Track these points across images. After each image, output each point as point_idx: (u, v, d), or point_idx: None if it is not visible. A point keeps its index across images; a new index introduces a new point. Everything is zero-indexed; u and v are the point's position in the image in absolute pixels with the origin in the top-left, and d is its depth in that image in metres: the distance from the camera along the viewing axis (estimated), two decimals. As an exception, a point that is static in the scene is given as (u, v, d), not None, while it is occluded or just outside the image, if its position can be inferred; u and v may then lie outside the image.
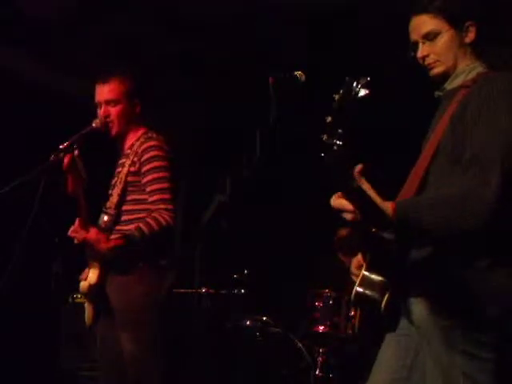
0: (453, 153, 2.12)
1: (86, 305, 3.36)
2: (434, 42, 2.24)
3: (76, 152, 3.14)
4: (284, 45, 4.78)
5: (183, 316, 3.64)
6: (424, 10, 2.23)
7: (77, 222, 3.20)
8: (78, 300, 4.51)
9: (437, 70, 2.26)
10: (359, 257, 2.32)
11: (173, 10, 4.66)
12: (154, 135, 3.37)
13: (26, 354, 4.76)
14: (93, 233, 3.20)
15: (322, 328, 4.35)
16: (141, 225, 3.19)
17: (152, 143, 3.32)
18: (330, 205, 2.26)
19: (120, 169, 3.39)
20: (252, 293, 4.60)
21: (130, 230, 3.23)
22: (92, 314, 3.34)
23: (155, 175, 3.25)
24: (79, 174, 3.18)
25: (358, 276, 2.22)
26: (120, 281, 3.26)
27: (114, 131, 3.38)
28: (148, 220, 3.19)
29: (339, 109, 1.92)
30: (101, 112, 3.35)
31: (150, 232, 3.17)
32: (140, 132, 3.41)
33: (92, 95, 3.43)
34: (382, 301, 2.13)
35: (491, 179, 2.00)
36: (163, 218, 3.18)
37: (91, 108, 3.46)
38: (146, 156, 3.29)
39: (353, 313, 2.82)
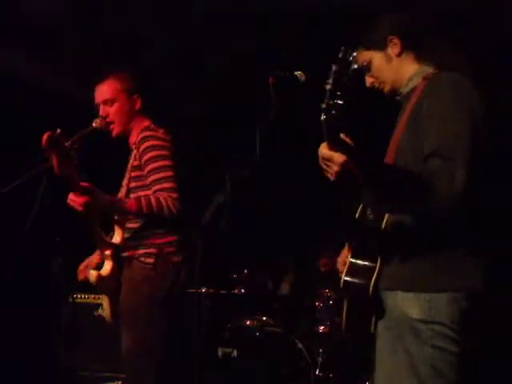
0: (412, 149, 2.24)
1: (104, 301, 3.35)
2: (372, 69, 2.47)
3: (58, 130, 2.96)
4: (284, 45, 4.78)
5: (183, 316, 3.63)
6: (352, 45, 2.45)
7: (71, 194, 3.09)
8: (78, 300, 4.51)
9: (385, 90, 2.49)
10: (342, 254, 2.47)
11: (173, 10, 4.66)
12: (152, 126, 3.33)
13: (26, 354, 4.76)
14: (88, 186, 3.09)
15: (321, 328, 4.35)
16: (141, 198, 3.14)
17: (147, 133, 3.28)
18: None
19: (128, 164, 3.39)
20: (252, 293, 4.60)
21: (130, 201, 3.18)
22: (109, 308, 3.32)
23: (154, 165, 3.21)
24: (65, 153, 3.00)
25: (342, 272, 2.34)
26: (130, 278, 3.26)
27: (114, 132, 3.37)
28: (150, 197, 3.13)
29: (338, 75, 2.02)
30: (100, 113, 3.36)
31: (148, 208, 3.10)
32: (143, 126, 3.39)
33: (91, 95, 3.44)
34: (369, 285, 2.24)
35: (456, 170, 2.09)
36: (166, 202, 3.12)
37: (91, 108, 3.47)
38: (142, 147, 3.25)
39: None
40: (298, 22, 4.65)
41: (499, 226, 2.34)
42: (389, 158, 2.34)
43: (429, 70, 2.39)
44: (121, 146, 3.56)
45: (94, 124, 3.31)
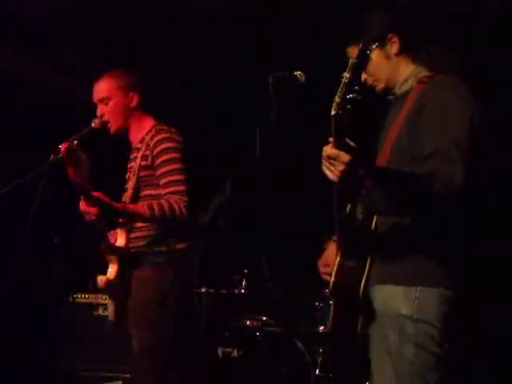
0: (409, 149, 2.23)
1: (109, 302, 3.37)
2: (368, 65, 2.40)
3: (75, 142, 3.07)
4: (284, 45, 4.78)
5: (188, 317, 3.64)
6: (352, 42, 2.43)
7: (82, 203, 3.16)
8: (78, 300, 4.51)
9: (378, 88, 2.46)
10: (325, 255, 2.54)
11: (173, 9, 4.66)
12: (165, 127, 3.35)
13: (26, 354, 4.76)
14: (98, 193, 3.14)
15: (321, 328, 4.35)
16: (154, 203, 3.17)
17: (163, 135, 3.30)
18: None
19: (133, 163, 3.38)
20: (252, 293, 4.59)
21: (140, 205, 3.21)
22: (114, 311, 3.33)
23: (169, 167, 3.24)
24: (81, 164, 3.08)
25: (327, 273, 2.40)
26: (136, 277, 3.28)
27: (112, 129, 3.38)
28: (162, 201, 3.17)
29: (357, 70, 1.99)
30: (97, 112, 3.37)
31: (160, 213, 3.14)
32: (148, 125, 3.40)
33: (91, 95, 3.44)
34: (359, 286, 2.23)
35: (455, 170, 2.10)
36: (178, 205, 3.16)
37: (91, 108, 3.47)
38: (158, 149, 3.27)
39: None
40: (299, 22, 4.64)
41: (498, 226, 2.35)
42: (383, 157, 2.33)
43: (423, 72, 2.38)
44: (120, 145, 3.56)
45: (92, 124, 3.32)
